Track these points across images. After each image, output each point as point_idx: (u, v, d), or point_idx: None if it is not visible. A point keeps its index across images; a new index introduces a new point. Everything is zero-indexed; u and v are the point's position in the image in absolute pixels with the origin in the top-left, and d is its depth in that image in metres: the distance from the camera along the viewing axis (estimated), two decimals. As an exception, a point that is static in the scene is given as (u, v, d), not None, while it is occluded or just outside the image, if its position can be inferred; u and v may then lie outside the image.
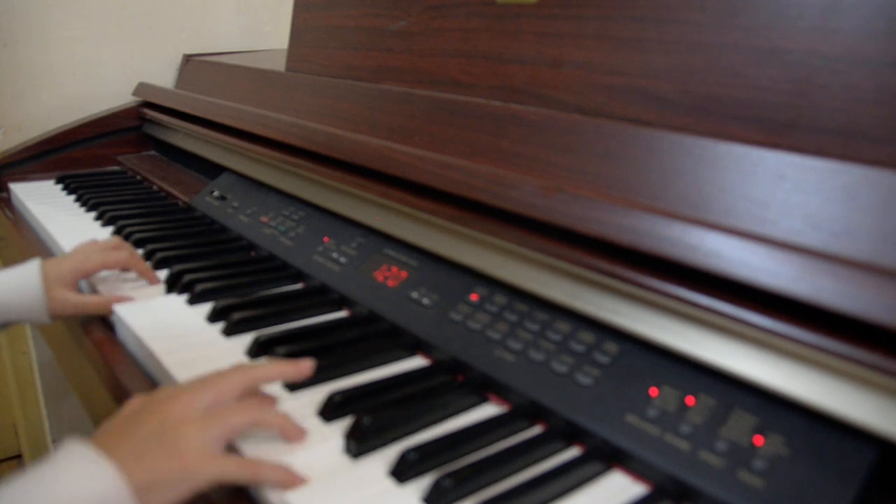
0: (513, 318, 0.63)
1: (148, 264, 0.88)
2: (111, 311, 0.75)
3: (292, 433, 0.52)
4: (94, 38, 1.51)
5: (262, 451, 0.51)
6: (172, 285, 0.82)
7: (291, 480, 0.47)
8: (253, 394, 0.55)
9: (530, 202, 0.61)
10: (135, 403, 0.51)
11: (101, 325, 0.77)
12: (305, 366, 0.54)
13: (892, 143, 0.50)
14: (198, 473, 0.45)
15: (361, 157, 0.82)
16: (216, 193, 1.12)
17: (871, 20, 0.52)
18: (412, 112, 0.85)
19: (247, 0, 1.71)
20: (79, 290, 0.81)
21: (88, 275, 0.80)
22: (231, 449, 0.51)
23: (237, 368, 0.53)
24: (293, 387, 0.60)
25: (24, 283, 0.74)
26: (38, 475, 0.43)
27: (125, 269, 0.84)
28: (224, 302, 0.75)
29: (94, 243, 0.82)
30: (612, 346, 0.56)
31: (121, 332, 0.74)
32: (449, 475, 0.47)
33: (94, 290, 0.82)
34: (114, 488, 0.43)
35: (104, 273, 0.84)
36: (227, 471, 0.46)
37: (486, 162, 0.71)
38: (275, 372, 0.54)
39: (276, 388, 0.60)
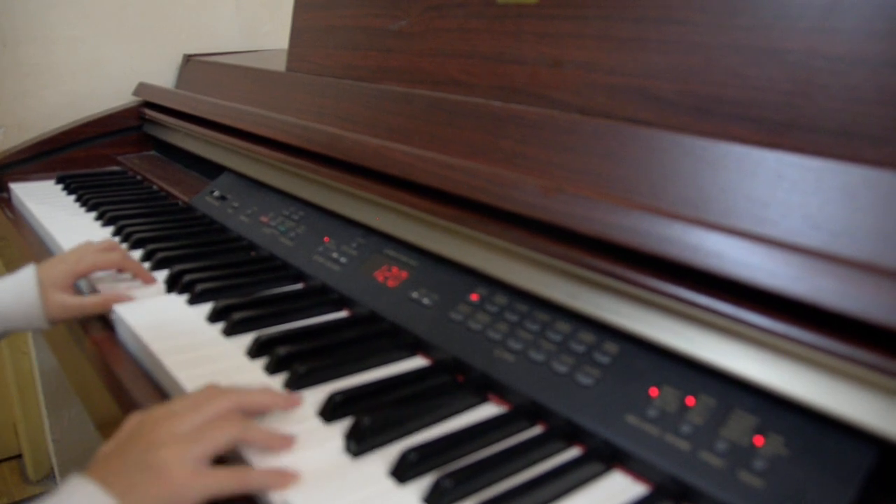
0: (513, 318, 0.63)
1: (146, 265, 0.88)
2: (111, 311, 0.75)
3: (277, 444, 0.51)
4: (95, 38, 1.51)
5: (264, 455, 0.51)
6: (173, 285, 0.82)
7: (282, 481, 0.47)
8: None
9: (530, 202, 0.61)
10: (132, 423, 0.51)
11: (101, 325, 0.77)
12: (296, 399, 0.54)
13: (892, 143, 0.50)
14: (185, 493, 0.45)
15: (362, 157, 0.82)
16: (216, 193, 1.12)
17: (871, 20, 0.52)
18: (412, 112, 0.85)
19: (247, 0, 1.71)
20: (78, 290, 0.80)
21: (83, 276, 0.80)
22: (237, 456, 0.51)
23: (228, 392, 0.52)
24: (294, 388, 0.60)
25: (20, 291, 0.74)
26: None
27: (121, 271, 0.84)
28: (224, 302, 0.75)
29: (88, 245, 0.83)
30: (612, 347, 0.56)
31: (121, 332, 0.74)
32: (449, 475, 0.47)
33: (93, 290, 0.82)
34: None
35: (101, 273, 0.84)
36: (215, 484, 0.46)
37: (487, 162, 0.71)
38: (267, 400, 0.54)
39: (276, 389, 0.60)
